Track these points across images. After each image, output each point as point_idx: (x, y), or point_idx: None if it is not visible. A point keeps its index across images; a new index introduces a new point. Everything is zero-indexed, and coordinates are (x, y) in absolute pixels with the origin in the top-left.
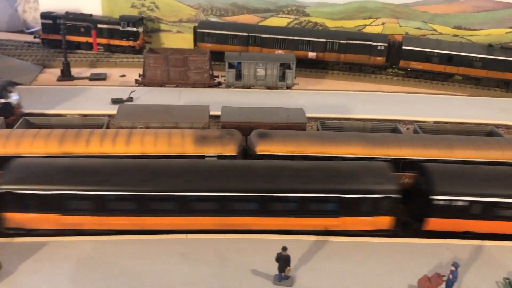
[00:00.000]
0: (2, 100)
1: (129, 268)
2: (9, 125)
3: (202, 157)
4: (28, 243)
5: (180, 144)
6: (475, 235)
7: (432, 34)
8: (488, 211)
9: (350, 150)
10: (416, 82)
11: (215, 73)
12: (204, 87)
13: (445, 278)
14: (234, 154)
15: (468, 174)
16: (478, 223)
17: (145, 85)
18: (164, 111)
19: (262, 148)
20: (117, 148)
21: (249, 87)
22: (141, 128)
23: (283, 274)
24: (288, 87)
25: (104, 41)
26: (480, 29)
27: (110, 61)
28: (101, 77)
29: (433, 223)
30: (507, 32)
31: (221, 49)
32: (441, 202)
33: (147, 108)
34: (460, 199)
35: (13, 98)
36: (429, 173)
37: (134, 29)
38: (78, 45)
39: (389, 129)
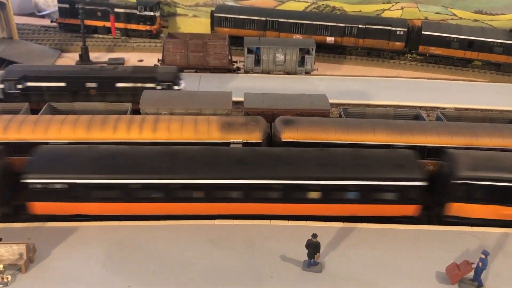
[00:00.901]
0: (176, 87)
1: (160, 253)
2: (34, 111)
3: (228, 143)
4: (60, 227)
5: (206, 131)
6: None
7: (452, 19)
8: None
9: (375, 137)
10: (435, 67)
11: (233, 58)
12: (223, 72)
13: (474, 266)
14: (259, 141)
15: (490, 160)
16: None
17: None
18: (188, 97)
19: (288, 135)
20: (144, 134)
21: (268, 73)
22: (165, 114)
23: (312, 260)
24: (307, 73)
25: (121, 25)
26: (502, 14)
27: (127, 46)
28: (120, 62)
29: (454, 208)
30: None
31: (238, 34)
32: (461, 187)
33: (171, 95)
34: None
35: (182, 85)
36: (451, 158)
37: (151, 13)
38: (95, 29)
39: (412, 116)
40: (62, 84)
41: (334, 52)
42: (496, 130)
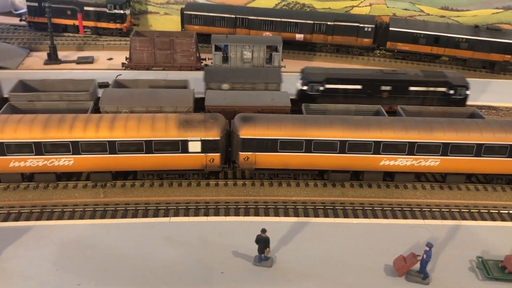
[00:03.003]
0: (467, 92)
1: (113, 251)
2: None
3: (186, 141)
4: (13, 227)
5: (163, 129)
6: None
7: (420, 15)
8: None
9: (331, 133)
10: (403, 63)
11: (203, 56)
12: (191, 70)
13: (419, 258)
14: (217, 138)
15: None
16: None
17: (132, 69)
18: (149, 95)
19: (246, 132)
20: (101, 133)
21: None
22: (125, 112)
23: (262, 255)
24: None
25: (91, 23)
26: (467, 10)
27: (97, 44)
28: (88, 61)
29: None
30: (493, 13)
31: (209, 31)
32: None
33: (132, 93)
34: None
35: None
36: None
37: (121, 11)
38: (65, 28)
39: (373, 112)
40: (359, 86)
41: (304, 49)
42: (451, 124)
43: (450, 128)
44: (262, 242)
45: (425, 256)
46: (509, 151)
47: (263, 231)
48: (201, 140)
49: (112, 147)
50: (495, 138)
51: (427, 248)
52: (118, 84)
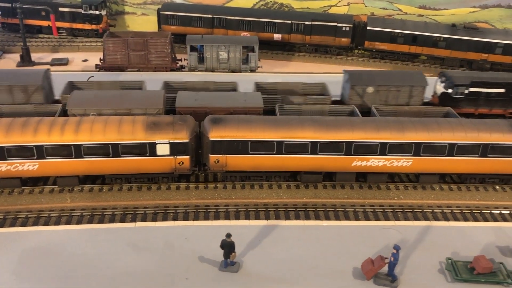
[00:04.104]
0: None
1: (76, 257)
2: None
3: (153, 144)
4: None
5: (130, 132)
6: None
7: (398, 14)
8: None
9: (302, 134)
10: (381, 62)
11: (179, 56)
12: (166, 71)
13: (387, 261)
14: (186, 141)
15: None
16: None
17: (105, 70)
18: (118, 97)
19: (215, 134)
20: (66, 136)
21: (212, 71)
22: (93, 115)
23: (228, 260)
24: (252, 70)
25: (66, 25)
26: (445, 9)
27: (73, 46)
28: (63, 62)
29: None
30: (470, 12)
31: (186, 32)
32: None
33: (100, 95)
34: None
35: None
36: None
37: (97, 12)
38: (39, 29)
39: (347, 112)
40: (502, 90)
41: (282, 49)
42: (424, 124)
43: (422, 128)
44: (227, 247)
45: (392, 258)
46: (481, 151)
47: (228, 235)
48: (170, 143)
49: (77, 151)
50: (467, 138)
51: (395, 251)
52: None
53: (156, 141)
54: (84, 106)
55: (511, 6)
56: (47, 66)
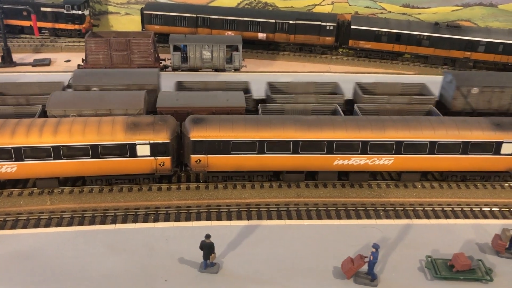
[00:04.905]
0: None
1: (53, 261)
2: None
3: (134, 145)
4: None
5: (109, 132)
6: None
7: (381, 12)
8: None
9: (283, 133)
10: (365, 61)
11: (163, 56)
12: None
13: (367, 260)
14: (167, 141)
15: None
16: None
17: None
18: (98, 97)
19: (196, 134)
20: (44, 138)
21: (196, 70)
22: (73, 116)
23: (208, 261)
24: (236, 70)
25: (48, 25)
26: (428, 7)
27: (55, 46)
28: (45, 63)
29: None
30: (453, 10)
31: (170, 31)
32: None
33: (80, 95)
34: None
35: None
36: None
37: (79, 12)
38: (21, 30)
39: (330, 111)
40: None
41: (267, 49)
42: (405, 123)
43: (403, 126)
44: (207, 248)
45: (372, 257)
46: (462, 148)
47: (207, 236)
48: (150, 143)
49: (56, 152)
50: (448, 136)
51: (374, 250)
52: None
53: (136, 142)
54: (63, 107)
55: (493, 4)
56: (29, 67)
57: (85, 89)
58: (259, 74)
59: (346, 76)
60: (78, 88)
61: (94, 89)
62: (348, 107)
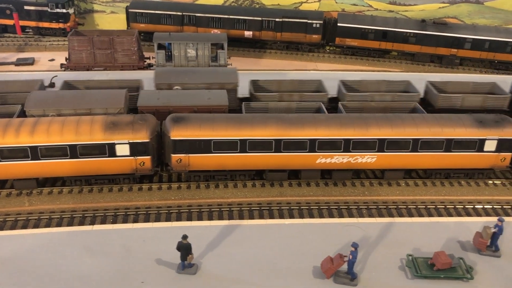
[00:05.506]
0: None
1: (28, 263)
2: None
3: (112, 144)
4: None
5: (88, 132)
6: None
7: (368, 10)
8: None
9: (265, 132)
10: (352, 59)
11: (148, 55)
12: (134, 69)
13: (346, 259)
14: (146, 141)
15: None
16: None
17: (71, 69)
18: (78, 97)
19: (177, 133)
20: (21, 138)
21: None
22: (53, 115)
23: (186, 262)
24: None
25: (32, 23)
26: (414, 4)
27: (39, 45)
28: (28, 62)
29: None
30: (440, 7)
31: (155, 30)
32: None
33: (60, 95)
34: None
35: None
36: None
37: (64, 10)
38: (5, 28)
39: (314, 109)
40: None
41: (254, 47)
42: (387, 120)
43: (385, 124)
44: (184, 249)
45: (351, 257)
46: (445, 146)
47: (184, 237)
48: (129, 143)
49: (34, 152)
50: (431, 133)
51: (353, 249)
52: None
53: (115, 142)
54: (43, 106)
55: (479, 1)
56: (12, 66)
57: (168, 88)
58: (246, 73)
59: (332, 74)
60: (161, 87)
61: (176, 87)
62: (333, 105)
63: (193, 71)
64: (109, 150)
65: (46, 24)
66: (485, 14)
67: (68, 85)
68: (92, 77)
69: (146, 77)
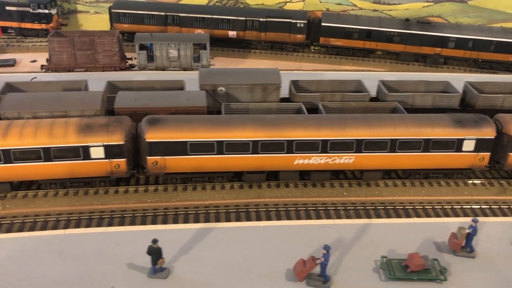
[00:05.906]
0: None
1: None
2: None
3: (87, 147)
4: None
5: (62, 135)
6: None
7: (353, 9)
8: None
9: (243, 133)
10: (337, 59)
11: (130, 55)
12: (115, 70)
13: (319, 261)
14: (121, 143)
15: None
16: None
17: (52, 71)
18: (54, 99)
19: (152, 135)
20: None
21: (163, 69)
22: (28, 118)
23: (157, 266)
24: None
25: (14, 24)
26: (399, 4)
27: (21, 46)
28: (9, 63)
29: None
30: (424, 6)
31: (138, 30)
32: None
33: (36, 97)
34: None
35: None
36: None
37: (46, 11)
38: None
39: (294, 110)
40: None
41: (238, 47)
42: (365, 121)
43: (363, 124)
44: (154, 253)
45: (323, 259)
46: (423, 146)
47: (154, 241)
48: (104, 145)
49: (7, 156)
50: (409, 133)
51: (325, 251)
52: None
53: (90, 144)
54: (18, 109)
55: (463, 0)
56: None
57: (212, 89)
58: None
59: (317, 74)
60: (206, 88)
61: (221, 89)
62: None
63: (237, 72)
64: (83, 152)
65: (28, 25)
66: (469, 13)
67: (111, 86)
68: (76, 78)
69: (189, 78)
